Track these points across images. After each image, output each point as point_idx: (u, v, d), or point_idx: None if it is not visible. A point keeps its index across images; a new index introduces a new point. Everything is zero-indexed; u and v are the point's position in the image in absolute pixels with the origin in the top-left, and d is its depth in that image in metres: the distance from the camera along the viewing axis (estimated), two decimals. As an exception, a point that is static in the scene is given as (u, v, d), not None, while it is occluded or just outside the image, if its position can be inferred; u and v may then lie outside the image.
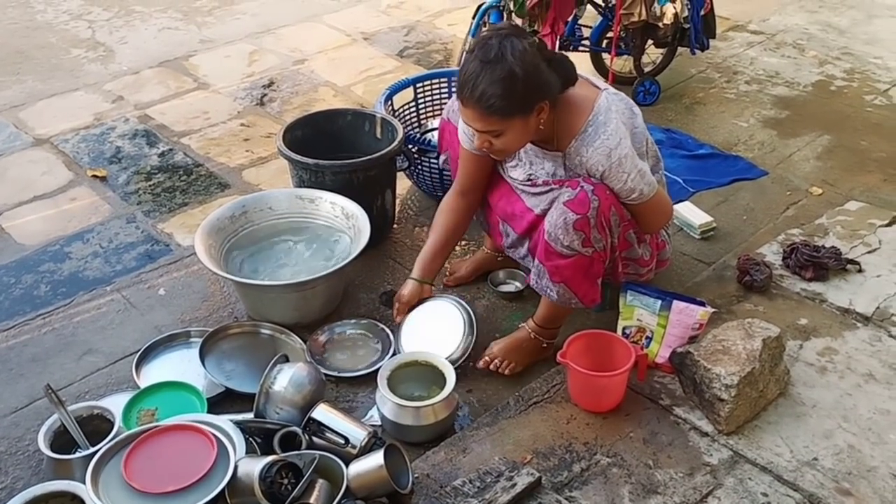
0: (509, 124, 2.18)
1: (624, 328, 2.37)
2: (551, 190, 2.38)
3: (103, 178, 3.47)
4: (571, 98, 2.26)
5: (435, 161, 3.07)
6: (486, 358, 2.51)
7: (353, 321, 2.69)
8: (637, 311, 2.34)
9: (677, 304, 2.27)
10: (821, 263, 2.69)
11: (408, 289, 2.60)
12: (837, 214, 3.05)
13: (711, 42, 4.01)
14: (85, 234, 3.14)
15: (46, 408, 2.39)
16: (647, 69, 4.03)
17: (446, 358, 2.39)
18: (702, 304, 2.29)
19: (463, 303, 2.60)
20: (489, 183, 2.60)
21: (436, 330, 2.53)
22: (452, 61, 4.42)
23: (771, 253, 2.84)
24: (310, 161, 2.82)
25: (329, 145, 3.04)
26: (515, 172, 2.48)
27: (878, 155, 3.58)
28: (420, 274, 2.61)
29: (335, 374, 2.49)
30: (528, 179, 2.44)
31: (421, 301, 2.61)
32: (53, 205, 3.32)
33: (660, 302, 2.30)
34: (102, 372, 2.53)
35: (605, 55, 4.07)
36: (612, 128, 2.22)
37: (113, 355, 2.59)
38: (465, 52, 3.99)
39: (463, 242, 3.07)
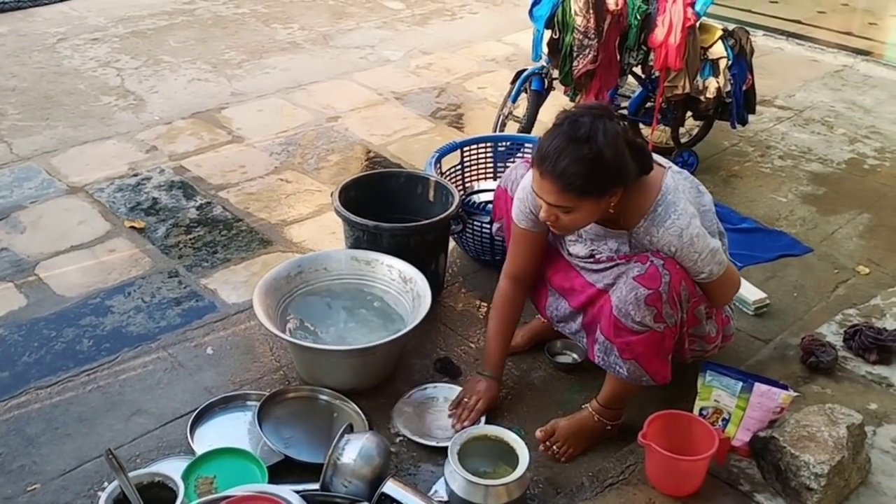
0: (582, 203, 2.14)
1: (701, 409, 2.31)
2: (616, 265, 2.33)
3: (141, 230, 3.40)
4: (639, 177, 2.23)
5: (479, 224, 3.05)
6: (543, 434, 2.42)
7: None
8: (715, 391, 2.28)
9: (759, 387, 2.21)
10: (885, 346, 2.66)
11: (484, 388, 2.51)
12: (892, 296, 3.03)
13: (741, 115, 4.01)
14: (126, 288, 3.06)
15: (96, 471, 2.32)
16: (682, 140, 4.04)
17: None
18: (784, 387, 2.23)
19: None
20: (544, 256, 2.55)
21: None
22: (483, 123, 4.40)
23: (830, 333, 2.80)
24: (369, 223, 2.77)
25: (381, 206, 3.00)
26: (575, 248, 2.42)
27: (920, 236, 3.59)
28: (493, 369, 2.55)
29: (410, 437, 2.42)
30: (590, 256, 2.40)
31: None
32: (91, 255, 3.24)
33: (741, 384, 2.24)
34: (153, 434, 2.44)
35: (641, 125, 4.08)
36: (681, 207, 2.19)
37: (163, 417, 2.50)
38: (501, 117, 4.00)
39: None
